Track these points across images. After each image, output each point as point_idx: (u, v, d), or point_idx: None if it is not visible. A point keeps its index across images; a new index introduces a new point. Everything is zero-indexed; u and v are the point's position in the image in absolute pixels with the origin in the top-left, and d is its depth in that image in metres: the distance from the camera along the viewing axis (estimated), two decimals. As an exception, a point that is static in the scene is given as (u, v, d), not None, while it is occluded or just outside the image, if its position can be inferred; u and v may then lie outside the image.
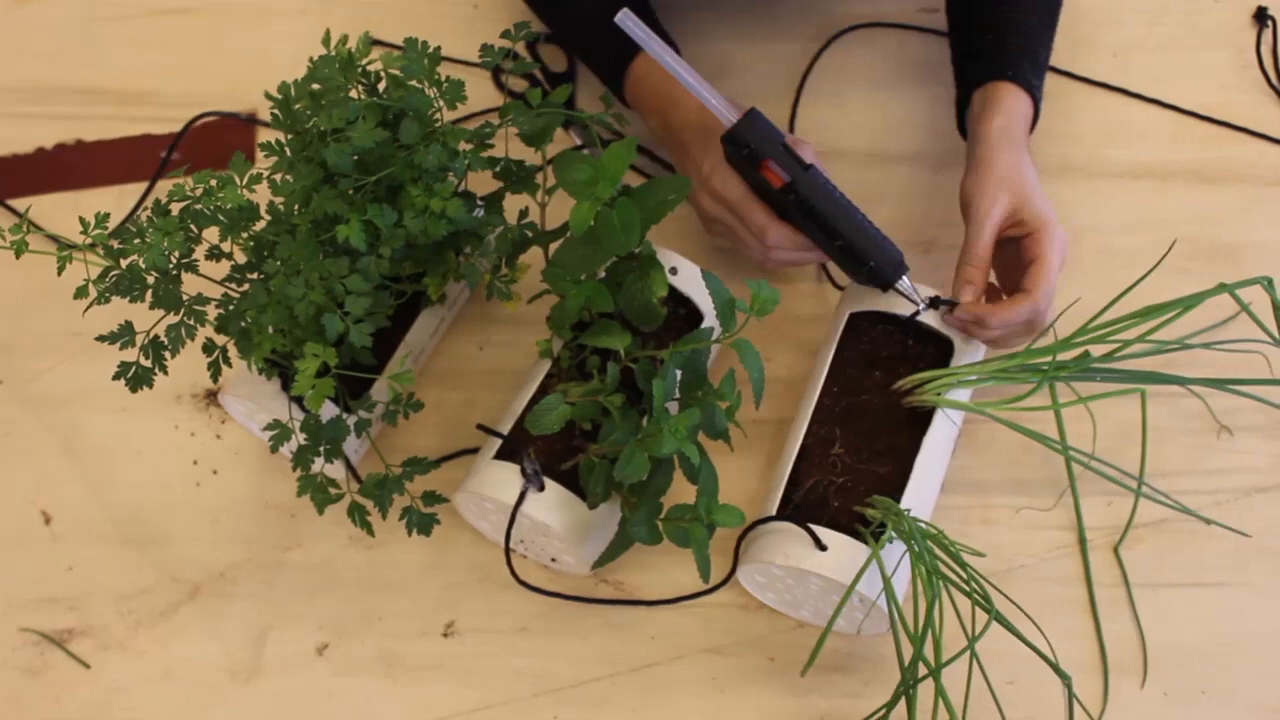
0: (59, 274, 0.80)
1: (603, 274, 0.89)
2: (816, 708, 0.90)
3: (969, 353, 0.92)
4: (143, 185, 1.12)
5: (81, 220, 0.81)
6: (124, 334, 0.84)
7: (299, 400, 0.88)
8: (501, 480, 0.86)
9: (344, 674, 0.93)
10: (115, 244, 0.81)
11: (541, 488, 0.85)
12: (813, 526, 0.84)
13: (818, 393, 0.91)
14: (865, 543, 0.84)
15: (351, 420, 0.87)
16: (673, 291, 0.93)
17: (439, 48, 0.85)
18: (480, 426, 0.91)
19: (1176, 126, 1.12)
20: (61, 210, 1.11)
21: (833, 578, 0.82)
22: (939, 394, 0.88)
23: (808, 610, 0.91)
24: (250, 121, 1.15)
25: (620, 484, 0.84)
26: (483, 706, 0.91)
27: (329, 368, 0.81)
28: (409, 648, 0.93)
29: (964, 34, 1.02)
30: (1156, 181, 1.09)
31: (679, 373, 0.86)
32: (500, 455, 0.89)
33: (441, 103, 0.85)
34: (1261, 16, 1.16)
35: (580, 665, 0.92)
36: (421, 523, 0.85)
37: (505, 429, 0.90)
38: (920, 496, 0.87)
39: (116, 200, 1.12)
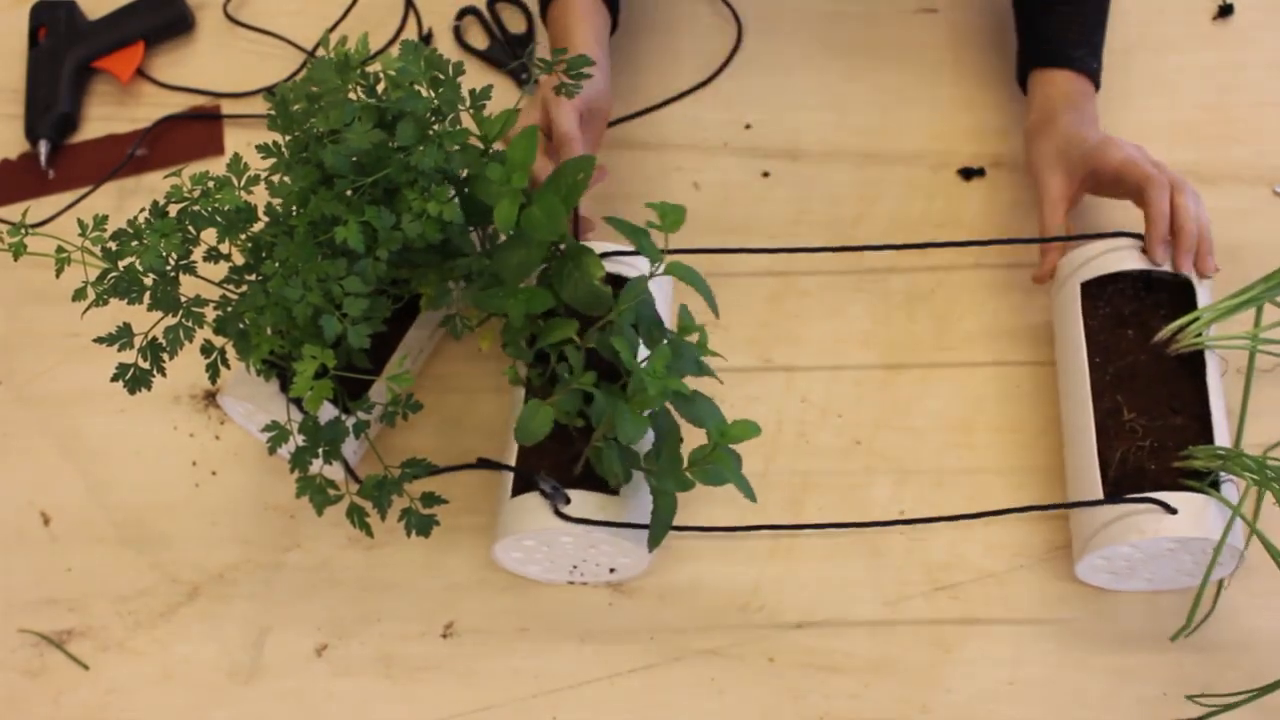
0: (57, 276, 0.80)
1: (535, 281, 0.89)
2: (816, 709, 0.90)
3: (1206, 286, 0.94)
4: (116, 200, 1.12)
5: (80, 222, 0.81)
6: (122, 335, 0.84)
7: (298, 402, 0.88)
8: (530, 512, 0.86)
9: (343, 675, 0.93)
10: (113, 246, 0.81)
11: (568, 500, 0.85)
12: (1156, 495, 0.85)
13: (1086, 369, 0.91)
14: (1205, 494, 0.85)
15: (350, 421, 0.87)
16: (612, 277, 0.93)
17: (435, 49, 0.85)
18: (482, 461, 0.90)
19: (1175, 127, 1.12)
20: (51, 212, 1.11)
21: (1195, 536, 0.83)
22: (1200, 334, 0.90)
23: (1141, 579, 0.91)
24: (214, 117, 1.15)
25: (636, 458, 0.84)
26: (482, 707, 0.91)
27: (327, 369, 0.81)
28: (408, 648, 0.93)
29: (1027, 10, 1.06)
30: (1156, 182, 1.09)
31: (634, 327, 0.85)
32: (516, 492, 0.88)
33: (439, 104, 0.85)
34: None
35: (579, 666, 0.92)
36: (420, 524, 0.85)
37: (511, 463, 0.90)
38: (1227, 436, 0.88)
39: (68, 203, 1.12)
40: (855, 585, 0.94)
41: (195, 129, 1.15)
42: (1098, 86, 1.03)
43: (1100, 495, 0.87)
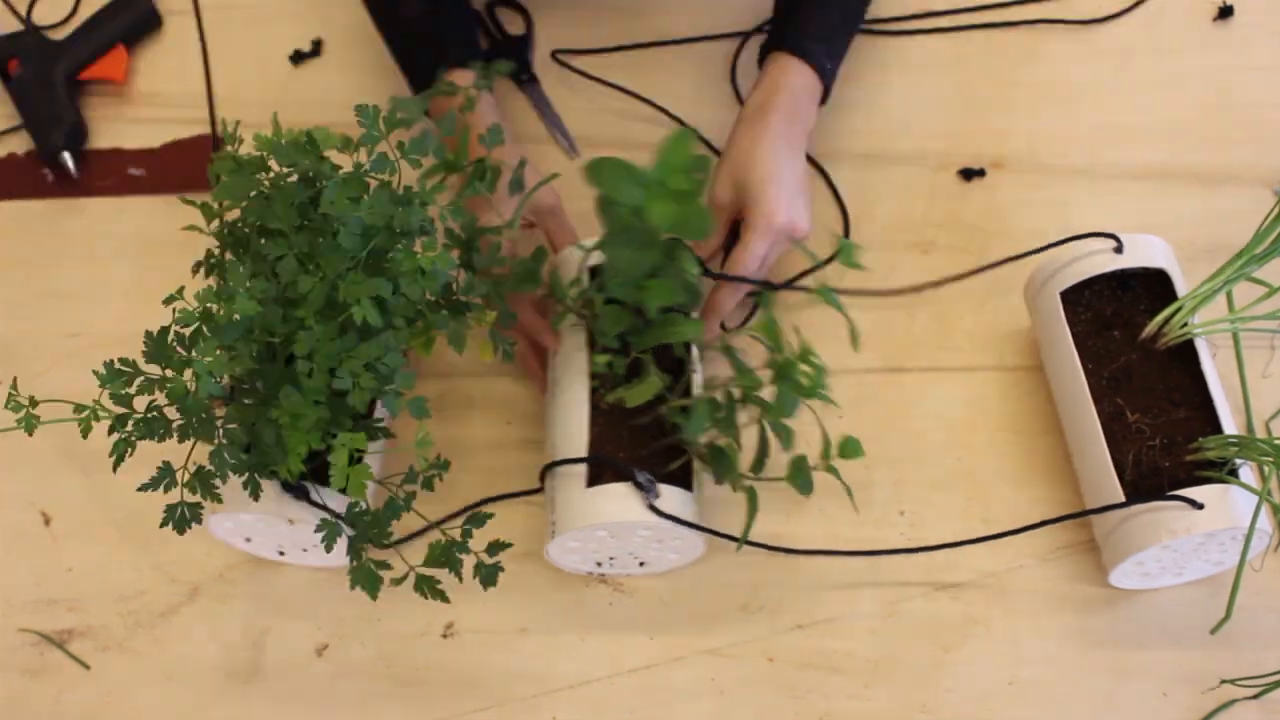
0: (84, 437, 0.79)
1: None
2: (816, 708, 0.90)
3: (1180, 275, 0.94)
4: (115, 200, 1.12)
5: (96, 374, 0.80)
6: (165, 475, 0.82)
7: (295, 490, 0.86)
8: (618, 502, 0.85)
9: (343, 675, 0.93)
10: (131, 391, 0.80)
11: (658, 495, 0.85)
12: (1180, 493, 0.85)
13: (1082, 377, 0.91)
14: (1225, 483, 0.85)
15: (401, 497, 0.85)
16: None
17: (392, 111, 0.85)
18: (555, 463, 0.89)
19: (1176, 128, 1.12)
20: (69, 214, 1.11)
21: (1225, 527, 0.84)
22: (1185, 324, 0.90)
23: (1171, 575, 0.92)
24: (217, 141, 1.15)
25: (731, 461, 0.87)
26: (482, 707, 0.91)
27: (361, 454, 0.80)
28: (408, 648, 0.93)
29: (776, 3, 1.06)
30: (1156, 183, 1.09)
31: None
32: (593, 482, 0.87)
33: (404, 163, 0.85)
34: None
35: (579, 666, 0.92)
36: (488, 575, 0.84)
37: (560, 457, 0.90)
38: (1231, 421, 0.89)
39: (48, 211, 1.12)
40: (855, 585, 0.94)
41: (196, 148, 1.15)
42: (826, 91, 1.02)
43: (1122, 502, 0.88)
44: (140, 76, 1.18)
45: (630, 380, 0.88)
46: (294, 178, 0.84)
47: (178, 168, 1.13)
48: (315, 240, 0.81)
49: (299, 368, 0.80)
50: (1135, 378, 0.91)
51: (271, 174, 0.84)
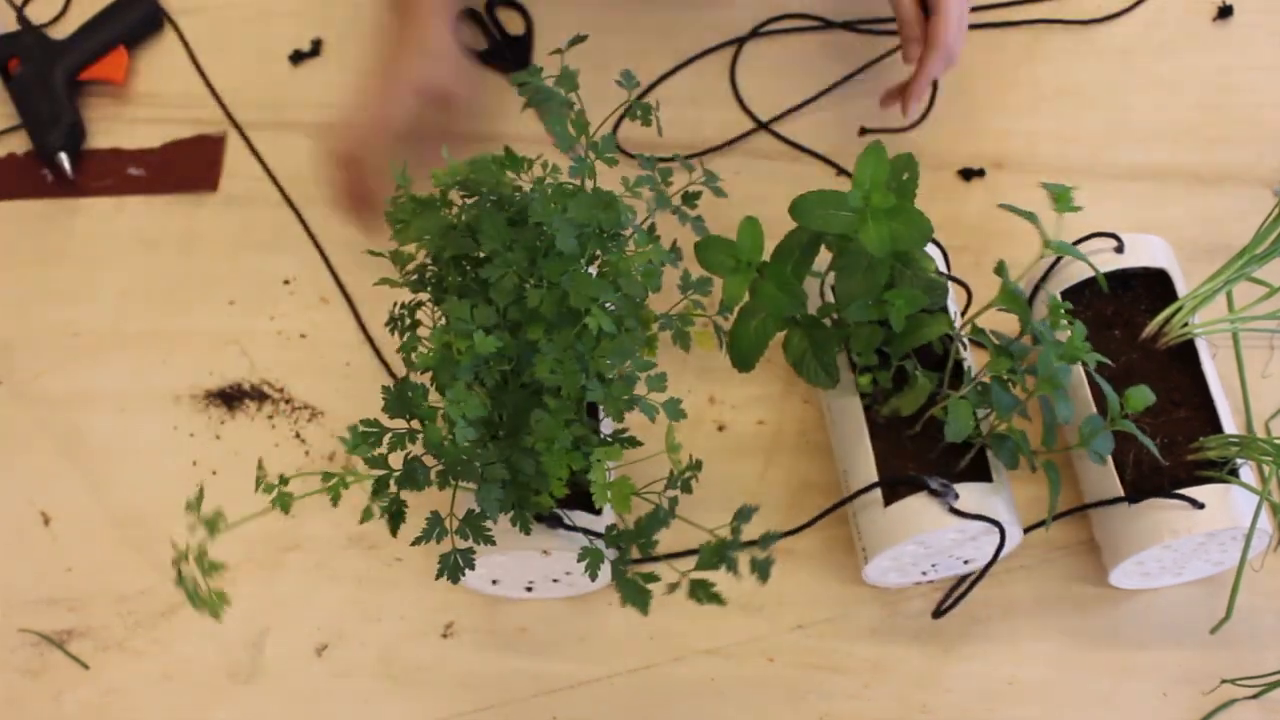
0: (334, 504, 0.76)
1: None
2: (816, 709, 0.90)
3: (1181, 275, 0.94)
4: (114, 200, 1.12)
5: (343, 440, 0.77)
6: (434, 525, 0.79)
7: (548, 519, 0.83)
8: (916, 514, 0.85)
9: (343, 675, 0.93)
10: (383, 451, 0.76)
11: (956, 496, 0.84)
12: (1181, 492, 0.85)
13: (1083, 377, 0.92)
14: (1226, 483, 0.86)
15: (666, 504, 0.81)
16: None
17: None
18: (847, 498, 0.89)
19: (1176, 128, 1.12)
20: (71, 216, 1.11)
21: (1225, 526, 0.84)
22: (1186, 324, 0.90)
23: (1171, 575, 0.92)
24: (218, 139, 1.15)
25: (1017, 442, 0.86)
26: (482, 707, 0.91)
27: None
28: (408, 648, 0.93)
29: None
30: (1156, 183, 1.09)
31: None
32: (891, 499, 0.87)
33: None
34: (1261, 17, 1.16)
35: (579, 666, 0.92)
36: (763, 568, 0.77)
37: (856, 484, 0.89)
38: (1231, 421, 0.89)
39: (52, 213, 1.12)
40: (855, 585, 0.94)
41: (198, 147, 1.15)
42: None
43: (1124, 502, 0.88)
44: (140, 77, 1.18)
45: (899, 389, 0.88)
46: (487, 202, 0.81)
47: (177, 168, 1.13)
48: (528, 258, 0.78)
49: (547, 382, 0.76)
50: (1136, 377, 0.91)
51: (455, 207, 0.82)
